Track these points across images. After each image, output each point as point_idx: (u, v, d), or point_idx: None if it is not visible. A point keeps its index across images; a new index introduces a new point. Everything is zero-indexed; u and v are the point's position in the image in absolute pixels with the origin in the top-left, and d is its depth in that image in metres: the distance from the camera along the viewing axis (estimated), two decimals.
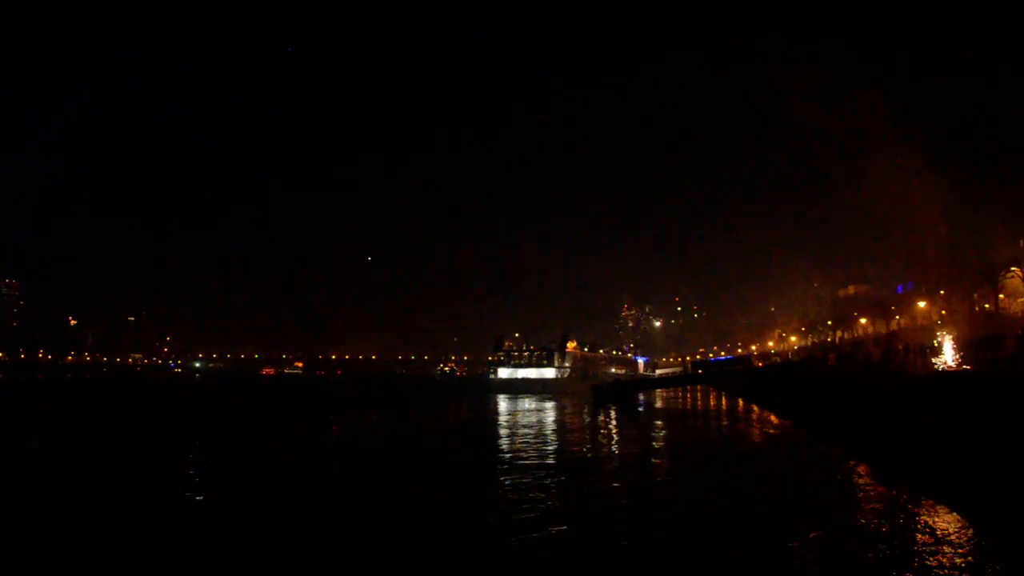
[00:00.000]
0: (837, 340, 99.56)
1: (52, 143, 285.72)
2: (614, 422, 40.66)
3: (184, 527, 14.32)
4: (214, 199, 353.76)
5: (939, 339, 39.08)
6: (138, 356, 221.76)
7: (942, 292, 55.18)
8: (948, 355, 36.23)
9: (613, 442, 30.25)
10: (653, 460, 23.62)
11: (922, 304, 58.37)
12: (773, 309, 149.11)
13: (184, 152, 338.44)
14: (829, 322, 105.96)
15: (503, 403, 64.62)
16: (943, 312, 48.32)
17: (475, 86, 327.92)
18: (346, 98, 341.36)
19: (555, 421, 43.81)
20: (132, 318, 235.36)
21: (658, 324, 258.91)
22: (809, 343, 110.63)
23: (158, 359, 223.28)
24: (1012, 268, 50.10)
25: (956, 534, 13.09)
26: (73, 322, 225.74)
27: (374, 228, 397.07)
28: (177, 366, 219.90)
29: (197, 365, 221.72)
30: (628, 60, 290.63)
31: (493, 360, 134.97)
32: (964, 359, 34.34)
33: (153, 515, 15.27)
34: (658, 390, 78.77)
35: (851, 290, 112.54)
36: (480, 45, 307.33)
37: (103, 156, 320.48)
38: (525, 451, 25.96)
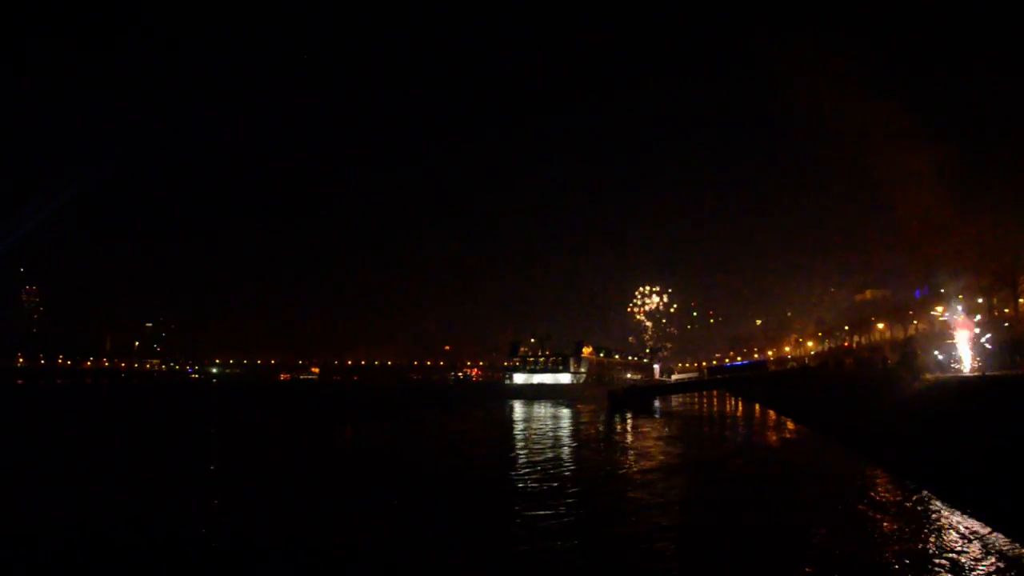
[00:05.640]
0: (854, 345, 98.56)
1: (73, 154, 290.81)
2: (630, 432, 40.65)
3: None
4: (231, 206, 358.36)
5: (957, 344, 38.65)
6: (155, 362, 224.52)
7: (960, 296, 54.57)
8: (967, 361, 35.89)
9: (629, 454, 30.15)
10: (668, 476, 23.34)
11: (940, 309, 57.76)
12: (790, 314, 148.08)
13: (203, 160, 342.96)
14: (846, 327, 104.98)
15: (518, 410, 64.72)
16: (961, 318, 47.71)
17: (491, 94, 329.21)
18: (358, 104, 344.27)
19: (570, 430, 43.79)
20: (150, 324, 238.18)
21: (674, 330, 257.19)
22: (826, 348, 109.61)
23: (175, 365, 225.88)
24: None
25: (975, 540, 13.18)
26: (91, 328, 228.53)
27: (390, 234, 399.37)
28: (194, 371, 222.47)
29: (214, 371, 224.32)
30: (639, 61, 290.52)
31: (509, 365, 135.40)
32: (982, 364, 34.04)
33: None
34: (674, 396, 78.47)
35: (868, 295, 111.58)
36: (490, 46, 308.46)
37: (122, 164, 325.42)
38: (538, 465, 25.70)
